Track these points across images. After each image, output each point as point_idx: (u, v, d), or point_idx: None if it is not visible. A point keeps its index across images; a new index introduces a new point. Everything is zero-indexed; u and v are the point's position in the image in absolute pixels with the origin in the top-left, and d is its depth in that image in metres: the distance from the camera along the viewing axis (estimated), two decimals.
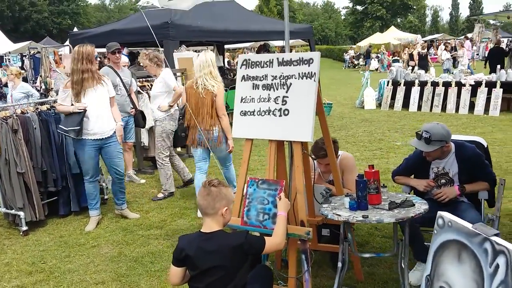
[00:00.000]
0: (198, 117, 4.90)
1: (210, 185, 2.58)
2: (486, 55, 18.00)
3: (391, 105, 13.26)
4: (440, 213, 2.03)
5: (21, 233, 4.97)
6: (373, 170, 3.01)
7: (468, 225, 1.79)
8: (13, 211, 5.01)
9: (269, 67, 3.13)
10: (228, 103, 9.77)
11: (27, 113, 5.15)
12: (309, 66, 2.99)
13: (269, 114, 3.08)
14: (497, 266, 1.59)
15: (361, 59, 33.33)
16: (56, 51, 10.40)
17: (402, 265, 2.98)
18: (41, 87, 9.46)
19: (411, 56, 21.94)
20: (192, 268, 2.56)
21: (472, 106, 11.82)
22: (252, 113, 3.14)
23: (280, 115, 3.04)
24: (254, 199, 3.06)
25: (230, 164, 5.38)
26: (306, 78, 2.98)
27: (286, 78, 3.05)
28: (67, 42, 17.26)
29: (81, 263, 4.25)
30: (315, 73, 2.97)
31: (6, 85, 10.78)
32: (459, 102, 11.99)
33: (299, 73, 3.01)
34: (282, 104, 3.04)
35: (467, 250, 1.76)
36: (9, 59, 17.54)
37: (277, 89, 3.08)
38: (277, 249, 2.71)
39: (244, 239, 2.53)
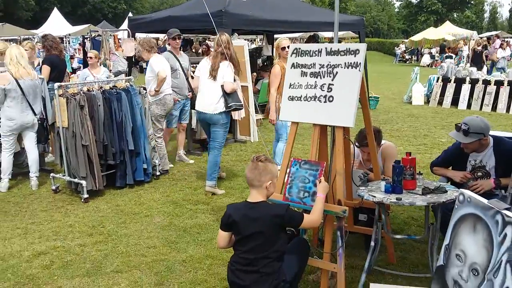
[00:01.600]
0: None
1: (257, 160, 2.87)
2: None
3: (440, 102, 13.11)
4: (461, 190, 2.23)
5: (82, 200, 5.47)
6: (410, 157, 3.21)
7: (484, 200, 2.00)
8: (76, 180, 5.52)
9: (318, 56, 3.37)
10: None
11: (93, 91, 5.62)
12: (355, 56, 3.21)
13: (315, 100, 3.33)
14: (505, 236, 1.79)
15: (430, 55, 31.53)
16: (116, 35, 10.94)
17: (432, 248, 3.17)
18: None
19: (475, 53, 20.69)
20: (237, 233, 2.87)
21: None
22: (299, 99, 3.40)
23: (325, 101, 3.28)
24: (296, 177, 3.33)
25: (280, 140, 5.98)
26: (352, 68, 3.21)
27: (332, 67, 3.29)
28: (125, 26, 18.05)
29: (135, 229, 4.67)
30: (360, 63, 3.19)
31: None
32: (510, 102, 11.73)
33: (345, 63, 3.24)
34: (328, 91, 3.28)
35: (481, 222, 1.97)
36: (69, 41, 18.50)
37: (323, 77, 3.32)
38: (313, 226, 2.97)
39: (285, 211, 2.81)
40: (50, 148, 7.09)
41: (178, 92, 6.70)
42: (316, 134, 3.35)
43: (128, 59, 10.42)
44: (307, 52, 3.43)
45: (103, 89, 5.79)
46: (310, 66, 3.39)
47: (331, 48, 3.32)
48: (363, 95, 3.33)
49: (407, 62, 35.38)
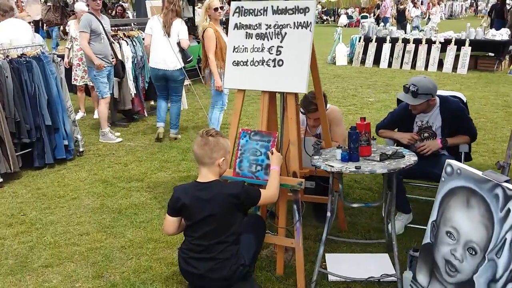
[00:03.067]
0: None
1: (207, 135, 2.56)
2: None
3: (362, 61, 13.34)
4: (448, 161, 2.09)
5: None
6: (365, 123, 3.05)
7: (478, 172, 1.87)
8: None
9: (263, 15, 3.05)
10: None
11: None
12: (304, 15, 2.93)
13: (262, 64, 3.03)
14: (508, 211, 1.67)
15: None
16: None
17: (389, 215, 3.08)
18: None
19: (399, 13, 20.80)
20: (188, 218, 2.57)
21: (441, 64, 12.03)
22: (245, 63, 3.09)
23: (274, 66, 3.00)
24: (247, 150, 3.06)
25: (215, 108, 5.83)
26: (302, 28, 2.93)
27: (280, 27, 2.99)
28: None
29: (62, 214, 4.19)
30: (311, 22, 2.92)
31: None
32: (428, 60, 12.17)
33: (294, 23, 2.95)
34: (277, 54, 2.99)
35: (476, 196, 1.84)
36: None
37: (271, 39, 3.02)
38: (271, 201, 2.74)
39: (241, 189, 2.54)
40: None
41: (102, 58, 6.06)
42: (265, 102, 3.07)
43: (35, 23, 9.38)
44: (251, 11, 3.09)
45: (10, 57, 5.07)
46: (256, 27, 3.07)
47: (277, 7, 3.01)
48: (313, 57, 3.08)
49: (325, 22, 35.84)
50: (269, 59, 3.01)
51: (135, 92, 7.22)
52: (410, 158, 2.97)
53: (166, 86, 6.17)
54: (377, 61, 12.97)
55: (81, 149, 5.81)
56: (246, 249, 2.69)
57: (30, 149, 5.29)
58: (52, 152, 5.37)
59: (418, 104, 3.53)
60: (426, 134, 3.74)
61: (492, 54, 12.04)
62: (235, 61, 3.12)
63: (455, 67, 11.74)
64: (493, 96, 8.83)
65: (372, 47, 13.08)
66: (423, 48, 12.22)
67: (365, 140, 3.03)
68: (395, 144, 3.85)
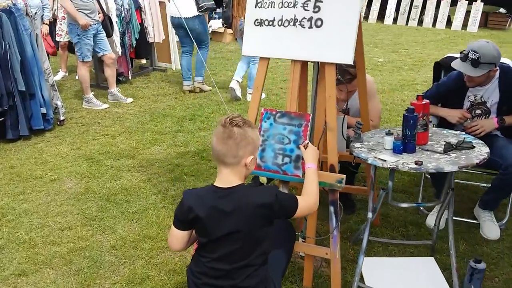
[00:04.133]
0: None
1: (232, 125, 1.87)
2: None
3: (366, 17, 12.49)
4: None
5: None
6: (423, 102, 2.39)
7: None
8: None
9: None
10: None
11: None
12: None
13: (294, 24, 2.31)
14: None
15: None
16: None
17: (448, 217, 2.48)
18: None
19: None
20: (203, 234, 1.92)
21: (449, 21, 11.28)
22: (270, 23, 2.36)
23: (310, 27, 2.28)
24: (271, 136, 2.39)
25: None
26: None
27: None
28: None
29: (39, 202, 3.52)
30: None
31: None
32: (436, 16, 11.38)
33: None
34: (314, 12, 2.27)
35: None
36: None
37: None
38: (309, 212, 2.09)
39: (275, 197, 1.88)
40: None
41: (88, 15, 5.20)
42: (296, 75, 2.38)
43: None
44: None
45: None
46: None
47: None
48: None
49: None
50: (304, 18, 2.29)
51: (121, 50, 6.40)
52: (482, 150, 2.34)
53: (188, 35, 5.60)
54: (381, 16, 12.14)
55: (61, 118, 5.07)
56: (274, 268, 2.07)
57: (1, 119, 4.56)
58: (27, 122, 4.64)
59: (478, 76, 2.87)
60: (478, 111, 3.10)
61: (504, 11, 11.29)
62: (257, 19, 2.39)
63: (464, 25, 10.99)
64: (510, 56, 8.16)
65: (377, 1, 12.21)
66: (431, 3, 11.39)
67: (423, 125, 2.39)
68: (438, 123, 3.21)
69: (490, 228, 3.03)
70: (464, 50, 2.89)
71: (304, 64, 2.42)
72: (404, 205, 2.57)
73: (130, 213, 3.33)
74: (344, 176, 2.30)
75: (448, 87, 3.13)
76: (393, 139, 2.33)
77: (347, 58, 2.22)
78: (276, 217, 1.93)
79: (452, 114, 3.10)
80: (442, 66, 3.64)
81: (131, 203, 3.48)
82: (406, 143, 2.31)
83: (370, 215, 2.51)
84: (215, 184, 1.93)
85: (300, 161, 2.32)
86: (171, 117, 5.29)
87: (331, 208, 2.35)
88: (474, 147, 2.33)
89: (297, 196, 1.99)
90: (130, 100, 5.82)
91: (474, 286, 2.44)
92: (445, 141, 2.34)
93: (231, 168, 1.89)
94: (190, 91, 6.18)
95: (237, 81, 5.85)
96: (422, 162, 2.17)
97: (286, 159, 2.36)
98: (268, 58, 2.42)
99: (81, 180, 3.84)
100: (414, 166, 2.15)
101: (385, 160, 2.22)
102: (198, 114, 5.35)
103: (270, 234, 1.95)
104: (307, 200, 2.02)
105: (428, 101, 2.41)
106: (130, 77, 6.67)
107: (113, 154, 4.33)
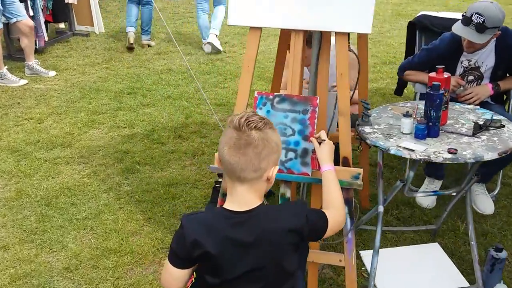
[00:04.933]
0: None
1: (250, 128, 1.37)
2: None
3: None
4: None
5: None
6: (445, 76, 2.03)
7: None
8: None
9: None
10: None
11: None
12: None
13: None
14: None
15: None
16: None
17: (468, 204, 2.20)
18: None
19: None
20: (214, 274, 1.44)
21: None
22: None
23: None
24: None
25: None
26: None
27: None
28: None
29: None
30: None
31: None
32: None
33: None
34: None
35: None
36: None
37: None
38: (339, 229, 1.67)
39: (305, 219, 1.44)
40: None
41: None
42: (298, 48, 1.90)
43: None
44: None
45: None
46: None
47: None
48: None
49: None
50: None
51: (31, 14, 5.41)
52: (511, 128, 2.04)
53: None
54: None
55: None
56: None
57: None
58: None
59: (483, 43, 2.56)
60: (470, 77, 2.83)
61: None
62: None
63: None
64: None
65: None
66: None
67: (445, 103, 2.04)
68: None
69: (485, 203, 2.83)
70: (466, 13, 2.56)
71: (305, 34, 1.94)
72: (420, 194, 2.25)
73: (80, 220, 2.75)
74: (361, 170, 1.91)
75: (441, 51, 2.80)
76: (411, 121, 1.97)
77: (365, 26, 1.78)
78: (304, 241, 1.51)
79: None
80: (416, 26, 3.33)
81: (79, 206, 2.88)
82: (430, 126, 1.96)
83: (381, 208, 2.18)
84: (225, 206, 1.45)
85: (309, 156, 1.89)
86: (106, 91, 4.58)
87: (345, 208, 1.96)
88: (503, 125, 2.02)
89: (325, 212, 1.57)
90: (52, 73, 4.98)
91: (496, 276, 2.21)
92: (473, 121, 2.01)
93: (249, 185, 1.41)
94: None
95: (216, 34, 5.61)
96: (456, 150, 1.83)
97: (291, 154, 1.91)
98: (260, 29, 1.91)
99: (9, 181, 3.14)
100: (449, 156, 1.81)
101: (413, 150, 1.85)
102: (137, 87, 4.68)
103: (300, 263, 1.53)
104: (336, 216, 1.60)
105: (449, 74, 2.06)
106: (44, 44, 5.70)
107: (44, 143, 3.62)
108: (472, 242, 2.16)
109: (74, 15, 6.27)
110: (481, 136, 1.95)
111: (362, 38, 2.29)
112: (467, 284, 2.28)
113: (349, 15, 1.78)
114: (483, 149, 1.85)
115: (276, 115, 1.93)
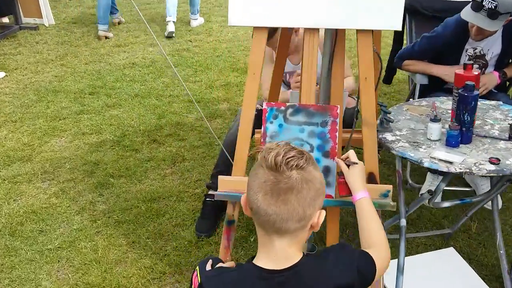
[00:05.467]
0: None
1: (291, 168, 1.07)
2: None
3: None
4: None
5: None
6: (476, 73, 1.80)
7: None
8: None
9: None
10: None
11: None
12: None
13: None
14: None
15: None
16: None
17: (494, 209, 2.01)
18: None
19: None
20: None
21: None
22: None
23: None
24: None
25: None
26: None
27: None
28: None
29: None
30: None
31: None
32: None
33: None
34: None
35: None
36: None
37: None
38: (386, 270, 1.39)
39: (356, 272, 1.17)
40: None
41: None
42: (313, 49, 1.61)
43: None
44: None
45: None
46: None
47: None
48: None
49: None
50: None
51: None
52: None
53: None
54: None
55: None
56: None
57: None
58: None
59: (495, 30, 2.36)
60: (476, 66, 2.62)
61: None
62: None
63: None
64: None
65: None
66: None
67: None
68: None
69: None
70: None
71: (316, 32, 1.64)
72: (447, 204, 2.03)
73: (52, 251, 2.38)
74: (390, 187, 1.66)
75: (445, 39, 2.58)
76: (440, 126, 1.73)
77: (395, 21, 1.51)
78: None
79: (449, 72, 2.58)
80: (406, 10, 3.09)
81: (49, 233, 2.50)
82: (462, 132, 1.72)
83: (403, 222, 1.94)
84: (258, 263, 1.15)
85: (331, 176, 1.62)
86: (65, 92, 4.13)
87: None
88: None
89: (369, 253, 1.30)
90: (1, 74, 4.46)
91: None
92: (509, 123, 1.79)
93: (290, 238, 1.12)
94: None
95: (173, 21, 5.39)
96: (499, 159, 1.60)
97: None
98: (267, 28, 1.60)
99: None
100: (492, 167, 1.58)
101: (451, 163, 1.61)
102: (99, 85, 4.25)
103: None
104: (382, 256, 1.32)
105: (479, 71, 1.83)
106: None
107: (0, 158, 3.18)
108: (501, 251, 1.98)
109: (20, 7, 5.68)
110: None
111: (376, 36, 2.01)
112: None
113: (375, 9, 1.51)
114: None
115: (290, 129, 1.64)
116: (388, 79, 3.35)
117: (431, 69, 2.66)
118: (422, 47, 2.66)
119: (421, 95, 2.73)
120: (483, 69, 2.63)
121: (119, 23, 5.83)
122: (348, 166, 1.49)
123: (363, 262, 1.24)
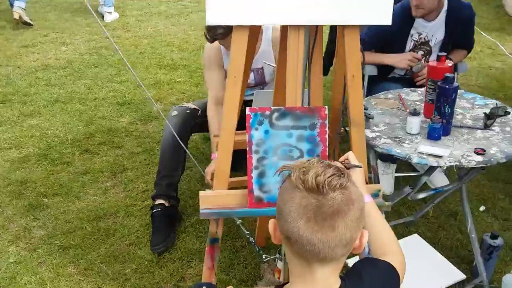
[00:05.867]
0: None
1: (332, 188, 0.93)
2: None
3: None
4: None
5: None
6: (450, 64, 1.79)
7: None
8: None
9: None
10: None
11: None
12: None
13: None
14: None
15: None
16: None
17: (464, 197, 2.04)
18: None
19: None
20: None
21: None
22: None
23: None
24: (270, 151, 1.50)
25: None
26: None
27: None
28: None
29: None
30: None
31: None
32: None
33: None
34: None
35: None
36: None
37: None
38: (404, 273, 1.31)
39: (389, 286, 1.08)
40: None
41: None
42: (300, 49, 1.48)
43: None
44: None
45: None
46: None
47: None
48: None
49: None
50: None
51: None
52: None
53: None
54: None
55: None
56: None
57: None
58: None
59: None
60: (420, 52, 2.68)
61: None
62: None
63: None
64: None
65: None
66: None
67: None
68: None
69: (437, 177, 2.76)
70: None
71: (311, 30, 1.51)
72: (423, 195, 2.01)
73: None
74: (381, 186, 1.59)
75: (392, 27, 2.57)
76: (420, 120, 1.70)
77: (385, 17, 1.44)
78: None
79: (400, 59, 2.62)
80: None
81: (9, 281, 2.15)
82: (443, 124, 1.71)
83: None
84: None
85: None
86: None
87: None
88: (509, 112, 1.86)
89: (390, 262, 1.21)
90: None
91: (491, 265, 2.12)
92: (483, 113, 1.80)
93: (335, 265, 0.99)
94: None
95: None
96: (484, 150, 1.60)
97: None
98: (248, 27, 1.44)
99: None
100: (480, 158, 1.58)
101: (440, 157, 1.58)
102: (11, 92, 3.77)
103: None
104: (399, 260, 1.24)
105: (452, 62, 1.82)
106: None
107: None
108: (473, 235, 2.01)
109: None
110: (493, 128, 1.76)
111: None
112: (464, 276, 2.15)
113: (363, 4, 1.41)
114: (506, 143, 1.66)
115: (277, 135, 1.51)
116: (325, 71, 3.33)
117: (383, 59, 2.66)
118: (371, 38, 2.64)
119: (369, 86, 2.74)
120: (428, 56, 2.69)
121: (24, 24, 5.00)
122: (348, 169, 1.40)
123: (392, 274, 1.15)
